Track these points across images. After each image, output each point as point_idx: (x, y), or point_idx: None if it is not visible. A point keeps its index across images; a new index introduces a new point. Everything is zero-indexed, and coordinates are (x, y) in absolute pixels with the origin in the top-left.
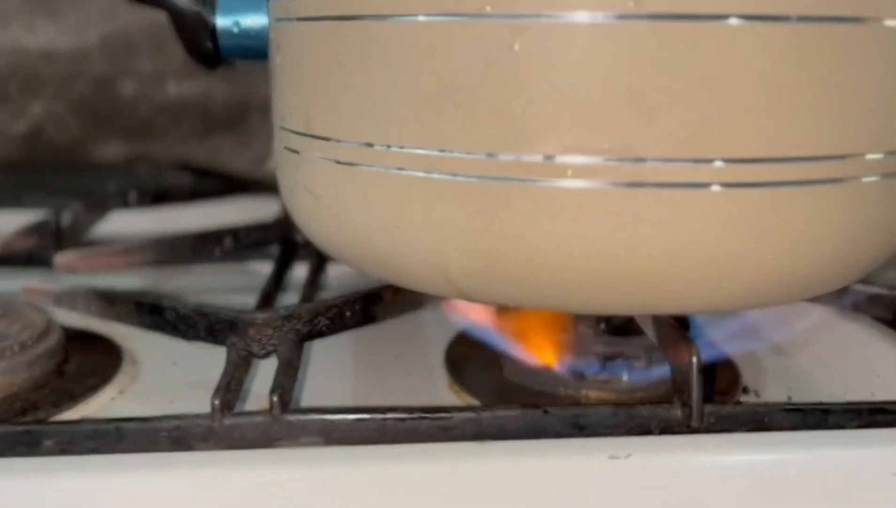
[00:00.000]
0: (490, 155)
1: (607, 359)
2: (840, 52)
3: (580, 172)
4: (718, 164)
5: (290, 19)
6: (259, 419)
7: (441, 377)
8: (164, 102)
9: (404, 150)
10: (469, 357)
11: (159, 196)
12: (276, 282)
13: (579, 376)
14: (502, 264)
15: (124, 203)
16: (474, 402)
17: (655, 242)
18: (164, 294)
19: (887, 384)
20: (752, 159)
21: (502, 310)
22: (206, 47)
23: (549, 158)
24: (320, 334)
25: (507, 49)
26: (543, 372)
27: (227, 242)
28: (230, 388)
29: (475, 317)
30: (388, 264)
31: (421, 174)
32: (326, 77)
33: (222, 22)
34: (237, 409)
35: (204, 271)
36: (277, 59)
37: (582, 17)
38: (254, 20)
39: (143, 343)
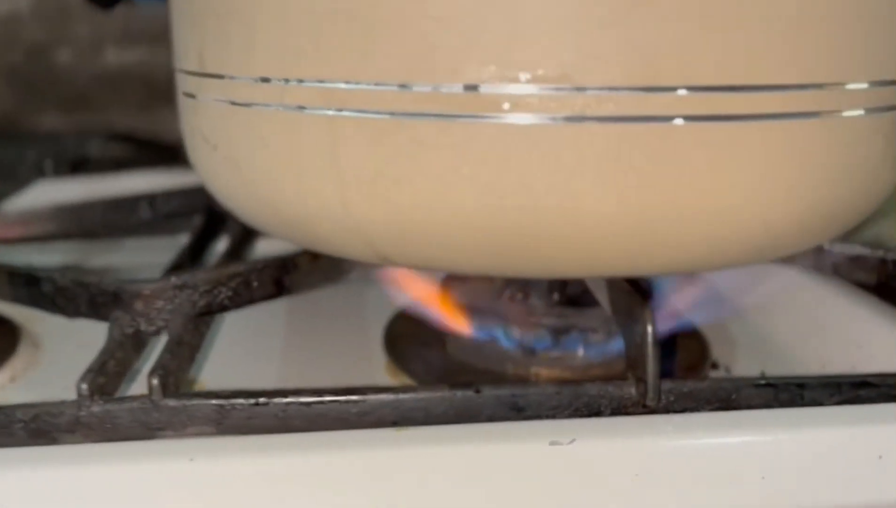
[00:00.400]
0: (402, 86)
1: (560, 333)
2: None
3: (510, 104)
4: (681, 92)
5: None
6: (135, 405)
7: (378, 356)
8: (103, 70)
9: (304, 84)
10: (410, 334)
11: (79, 165)
12: (193, 254)
13: (529, 352)
14: (422, 219)
15: (40, 173)
16: (412, 383)
17: (602, 189)
18: (42, 267)
19: (869, 356)
20: (719, 87)
21: (445, 280)
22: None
23: (470, 88)
24: (223, 307)
25: None
26: (489, 348)
27: (144, 210)
28: (105, 370)
29: (414, 289)
30: (298, 224)
31: (324, 112)
32: (217, 4)
33: None
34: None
35: (131, 245)
36: None
37: None
38: None
39: (50, 325)
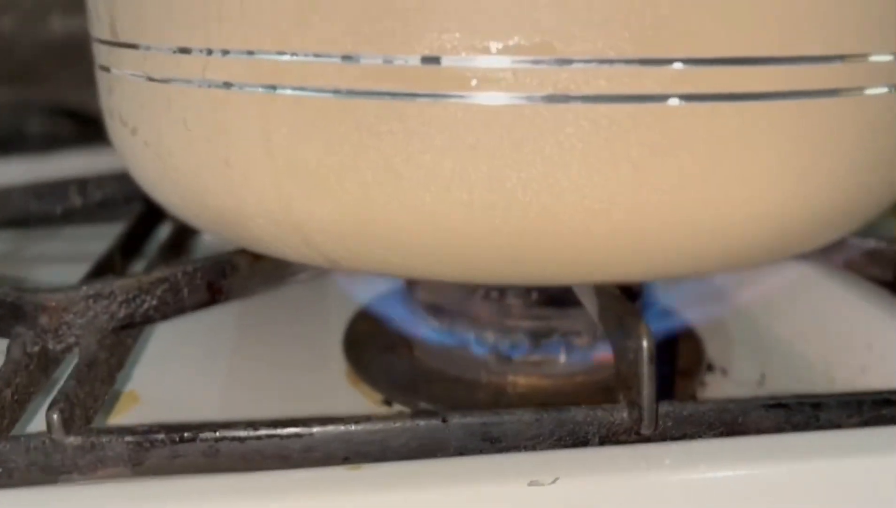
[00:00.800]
0: (347, 58)
1: (540, 336)
2: None
3: (478, 80)
4: (677, 66)
5: None
6: (32, 444)
7: (337, 363)
8: (48, 40)
9: (230, 56)
10: (373, 337)
11: (14, 142)
12: (125, 249)
13: (506, 358)
14: (373, 219)
15: None
16: (374, 395)
17: (589, 183)
18: None
19: (880, 357)
20: (722, 60)
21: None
22: None
23: (429, 60)
24: (147, 318)
25: None
26: (461, 354)
27: (73, 196)
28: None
29: (374, 287)
30: (229, 220)
31: (255, 90)
32: None
33: None
34: (16, 431)
35: (68, 234)
36: None
37: None
38: None
39: None
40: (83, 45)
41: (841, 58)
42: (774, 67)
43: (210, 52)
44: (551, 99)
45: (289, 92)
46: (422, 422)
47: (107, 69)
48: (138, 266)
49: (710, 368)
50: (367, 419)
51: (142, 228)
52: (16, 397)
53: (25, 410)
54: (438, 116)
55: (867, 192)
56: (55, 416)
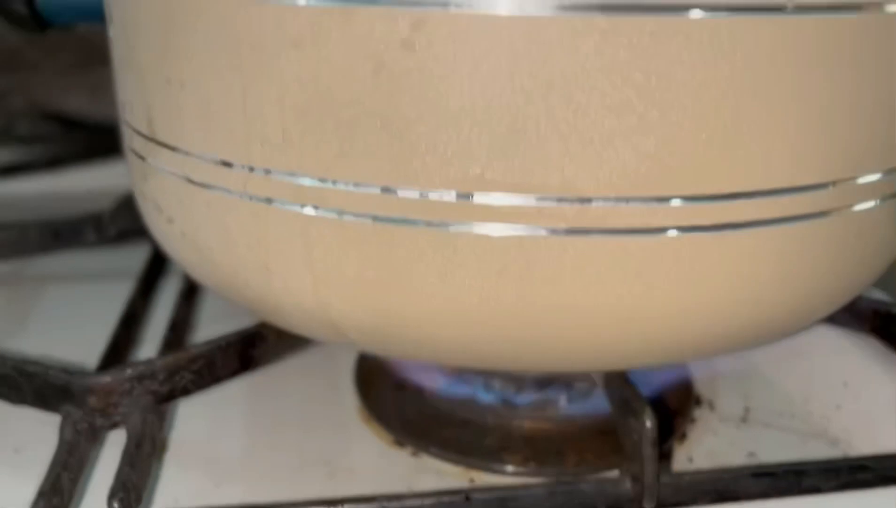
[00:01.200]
0: (386, 190)
1: (544, 382)
2: (833, 49)
3: (507, 215)
4: (676, 203)
5: None
6: None
7: (350, 400)
8: None
9: (272, 175)
10: (383, 375)
11: None
12: (146, 289)
13: (511, 404)
14: (404, 324)
15: None
16: (386, 434)
17: (603, 299)
18: None
19: (854, 395)
20: (718, 196)
21: None
22: (18, 11)
23: (464, 196)
24: (185, 391)
25: (404, 48)
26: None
27: (89, 234)
28: (58, 487)
29: None
30: (265, 307)
31: (296, 209)
32: (167, 67)
33: None
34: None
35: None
36: (111, 31)
37: (508, 6)
38: None
39: None
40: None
41: (831, 184)
42: (767, 198)
43: (252, 169)
44: (571, 232)
45: (329, 215)
46: (446, 498)
47: (141, 157)
48: (160, 304)
49: (698, 401)
50: (399, 497)
51: (153, 268)
52: (71, 476)
53: (77, 490)
54: (469, 244)
55: (847, 285)
56: (116, 506)
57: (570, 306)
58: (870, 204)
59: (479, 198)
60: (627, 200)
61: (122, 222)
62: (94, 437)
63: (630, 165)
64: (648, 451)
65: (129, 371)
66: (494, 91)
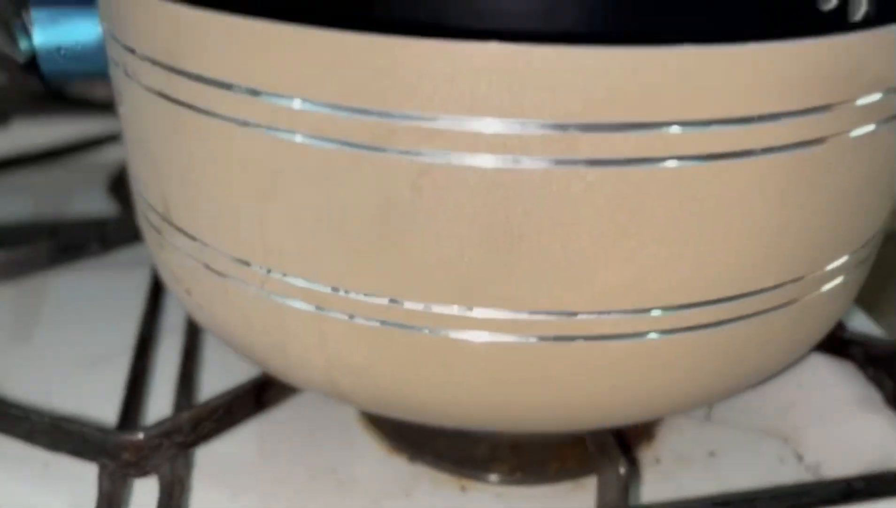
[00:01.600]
0: (394, 301)
1: None
2: (803, 176)
3: (502, 326)
4: (656, 313)
5: (129, 77)
6: None
7: (350, 407)
8: None
9: (288, 278)
10: None
11: None
12: (153, 305)
13: None
14: (406, 404)
15: None
16: (385, 441)
17: (584, 394)
18: (15, 402)
19: (807, 396)
20: (692, 304)
21: None
22: (19, 80)
23: (465, 310)
24: (206, 437)
25: (412, 190)
26: None
27: (93, 247)
28: None
29: None
30: (277, 373)
31: (311, 309)
32: (182, 166)
33: (42, 44)
34: None
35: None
36: (121, 109)
37: (506, 161)
38: (81, 36)
39: None
40: None
41: (800, 279)
42: (742, 300)
43: (269, 271)
44: (558, 339)
45: (342, 317)
46: None
47: (157, 231)
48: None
49: None
50: None
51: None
52: None
53: None
54: (468, 349)
55: (814, 340)
56: None
57: (557, 404)
58: (837, 281)
59: (478, 312)
60: (610, 312)
61: (126, 233)
62: (126, 485)
63: (613, 287)
64: (626, 497)
65: (158, 428)
66: (494, 227)
